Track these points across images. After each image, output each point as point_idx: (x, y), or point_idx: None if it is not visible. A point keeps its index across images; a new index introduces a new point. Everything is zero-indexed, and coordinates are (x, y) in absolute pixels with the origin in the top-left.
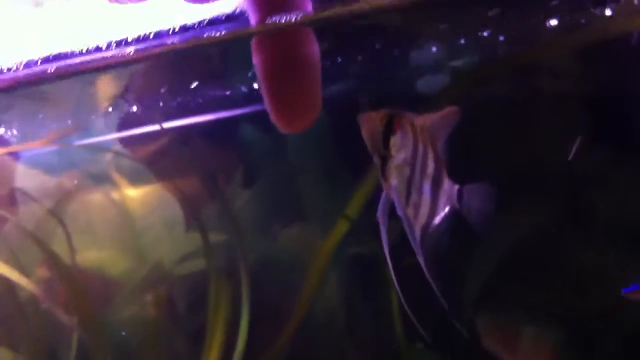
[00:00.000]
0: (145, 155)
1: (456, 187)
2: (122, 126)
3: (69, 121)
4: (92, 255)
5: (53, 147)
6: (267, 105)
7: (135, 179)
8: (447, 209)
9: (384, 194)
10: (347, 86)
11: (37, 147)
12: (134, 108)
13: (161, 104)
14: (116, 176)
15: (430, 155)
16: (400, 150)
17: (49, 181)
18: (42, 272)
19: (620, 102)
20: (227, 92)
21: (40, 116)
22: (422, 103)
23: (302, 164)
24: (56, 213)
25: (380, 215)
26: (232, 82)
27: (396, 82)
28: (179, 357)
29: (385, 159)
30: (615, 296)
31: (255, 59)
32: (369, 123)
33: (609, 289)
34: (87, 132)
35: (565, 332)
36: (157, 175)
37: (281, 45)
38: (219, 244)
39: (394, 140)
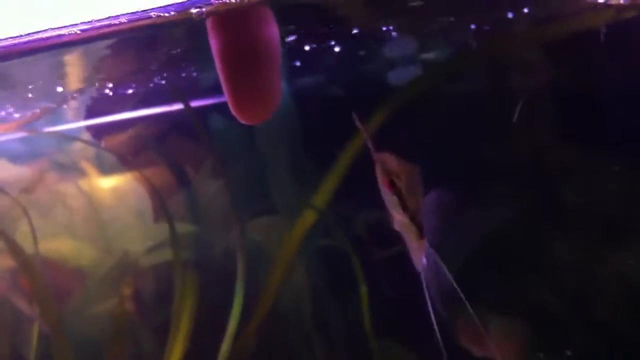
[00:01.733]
0: (115, 144)
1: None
2: (90, 113)
3: (35, 107)
4: (57, 245)
5: (18, 134)
6: (225, 93)
7: (103, 168)
8: None
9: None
10: (316, 76)
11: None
12: (104, 93)
13: (130, 91)
14: (84, 165)
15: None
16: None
17: (14, 169)
18: (4, 261)
19: (590, 96)
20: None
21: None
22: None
23: (272, 154)
24: (20, 202)
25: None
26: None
27: (366, 73)
28: (145, 349)
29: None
30: (586, 289)
31: (212, 42)
32: (391, 185)
33: (579, 282)
34: (53, 119)
35: (535, 326)
36: (126, 164)
37: (238, 26)
38: (189, 235)
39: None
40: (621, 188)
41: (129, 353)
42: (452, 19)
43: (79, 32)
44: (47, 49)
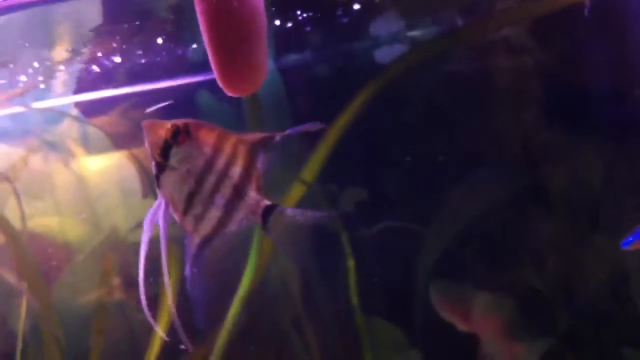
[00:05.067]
0: (104, 122)
1: (264, 203)
2: (80, 89)
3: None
4: (47, 221)
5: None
6: (212, 65)
7: (92, 145)
8: (246, 223)
9: (157, 201)
10: (304, 52)
11: None
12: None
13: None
14: (72, 142)
15: (238, 167)
16: (184, 162)
17: (2, 147)
18: None
19: (576, 77)
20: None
21: None
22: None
23: (260, 130)
24: (9, 178)
25: (147, 221)
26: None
27: (353, 51)
28: (132, 323)
29: (162, 167)
30: (571, 270)
31: (198, 12)
32: (152, 131)
33: (564, 262)
34: (41, 94)
35: (517, 303)
36: (115, 141)
37: None
38: None
39: (178, 152)
40: (607, 172)
41: (116, 326)
42: None
43: None
44: (33, 5)
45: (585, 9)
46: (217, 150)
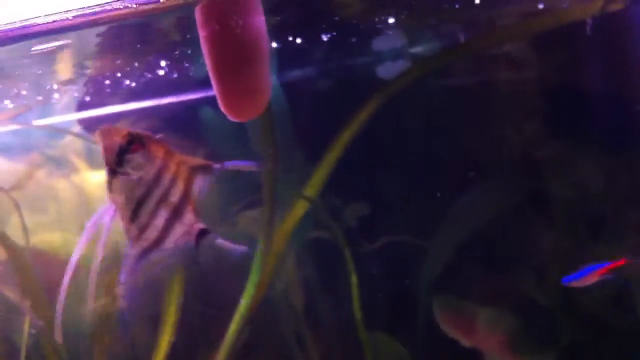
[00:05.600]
0: None
1: (199, 226)
2: (82, 106)
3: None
4: (50, 237)
5: (8, 127)
6: (215, 90)
7: (95, 159)
8: (182, 243)
9: (105, 206)
10: (306, 69)
11: None
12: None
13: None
14: (75, 156)
15: (179, 187)
16: (136, 170)
17: (5, 163)
18: None
19: (577, 90)
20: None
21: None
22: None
23: (262, 146)
24: (12, 195)
25: (90, 224)
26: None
27: (356, 66)
28: (136, 340)
29: (114, 173)
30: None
31: (201, 37)
32: (108, 137)
33: (564, 273)
34: (44, 111)
35: (521, 316)
36: None
37: (224, 16)
38: None
39: (131, 158)
40: (608, 182)
41: (119, 342)
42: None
43: (70, 18)
44: (39, 35)
45: (587, 27)
46: (164, 165)
